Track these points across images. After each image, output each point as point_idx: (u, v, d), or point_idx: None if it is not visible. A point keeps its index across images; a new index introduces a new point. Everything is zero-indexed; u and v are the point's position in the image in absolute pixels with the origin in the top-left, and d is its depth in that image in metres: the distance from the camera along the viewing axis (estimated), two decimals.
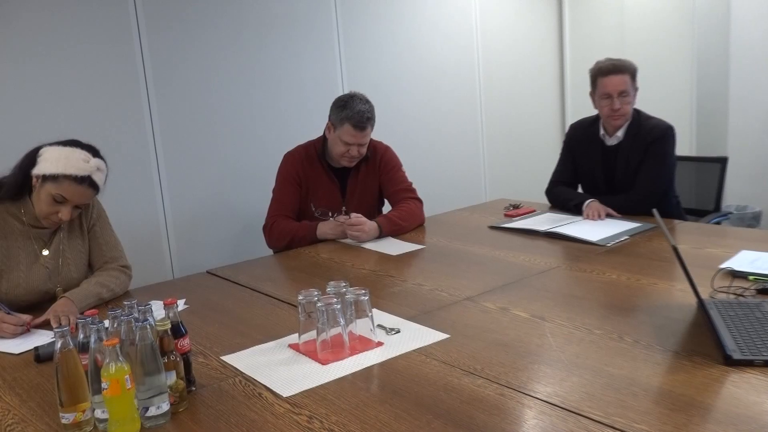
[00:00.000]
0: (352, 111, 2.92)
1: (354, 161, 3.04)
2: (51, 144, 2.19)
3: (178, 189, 3.63)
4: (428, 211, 3.20)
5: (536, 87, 5.28)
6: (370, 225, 2.87)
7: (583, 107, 3.59)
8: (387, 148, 3.19)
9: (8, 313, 2.06)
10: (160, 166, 3.56)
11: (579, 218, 2.95)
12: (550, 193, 3.27)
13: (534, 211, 3.21)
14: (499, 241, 2.76)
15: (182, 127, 3.62)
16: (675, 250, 1.63)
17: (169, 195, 3.61)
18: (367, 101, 2.98)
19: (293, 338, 1.84)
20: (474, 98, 4.90)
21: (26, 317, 2.07)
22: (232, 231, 3.83)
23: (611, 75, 2.95)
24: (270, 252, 3.18)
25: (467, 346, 1.72)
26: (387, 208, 3.20)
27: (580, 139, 3.18)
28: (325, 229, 2.94)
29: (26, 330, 2.04)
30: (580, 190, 3.24)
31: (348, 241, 2.89)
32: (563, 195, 3.17)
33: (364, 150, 3.01)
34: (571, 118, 5.00)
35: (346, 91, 3.12)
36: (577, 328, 1.78)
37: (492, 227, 2.98)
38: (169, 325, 1.50)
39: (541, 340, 1.72)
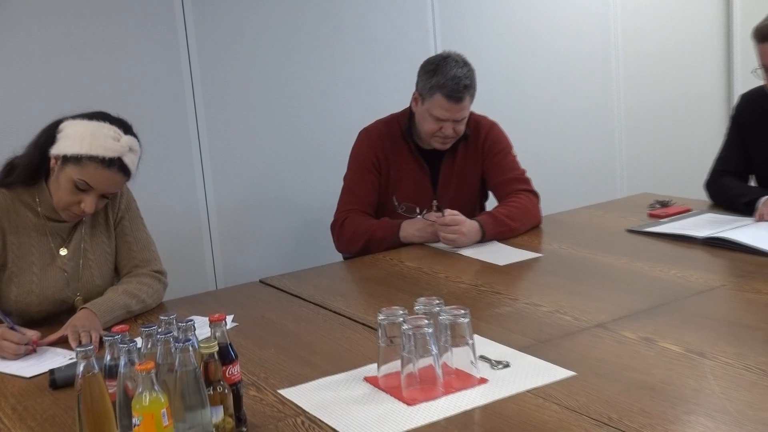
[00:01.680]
0: (444, 77, 2.92)
1: (448, 142, 3.04)
2: (74, 117, 2.28)
3: (224, 175, 3.72)
4: (546, 208, 3.17)
5: (692, 48, 5.14)
6: (470, 225, 2.86)
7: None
8: (493, 125, 3.17)
9: (11, 328, 2.15)
10: (202, 145, 3.66)
11: (751, 220, 2.86)
12: (712, 186, 3.20)
13: (689, 210, 3.14)
14: (642, 249, 2.71)
15: (230, 97, 3.70)
16: None
17: (212, 183, 3.70)
18: (465, 64, 2.97)
19: (370, 370, 1.85)
20: (608, 63, 4.81)
21: (33, 334, 2.15)
22: (291, 230, 3.89)
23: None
24: (339, 257, 3.21)
25: (599, 387, 1.69)
26: (492, 203, 3.19)
27: (754, 115, 3.08)
28: (410, 229, 2.95)
29: (31, 350, 2.12)
30: (752, 182, 3.15)
31: (440, 245, 2.89)
32: (731, 189, 3.08)
33: (461, 127, 3.00)
34: (740, 88, 4.84)
35: (439, 52, 3.11)
36: (748, 368, 1.73)
37: (631, 231, 2.94)
38: (217, 348, 1.53)
39: (700, 384, 1.67)
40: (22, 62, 3.22)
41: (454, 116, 2.95)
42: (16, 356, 2.08)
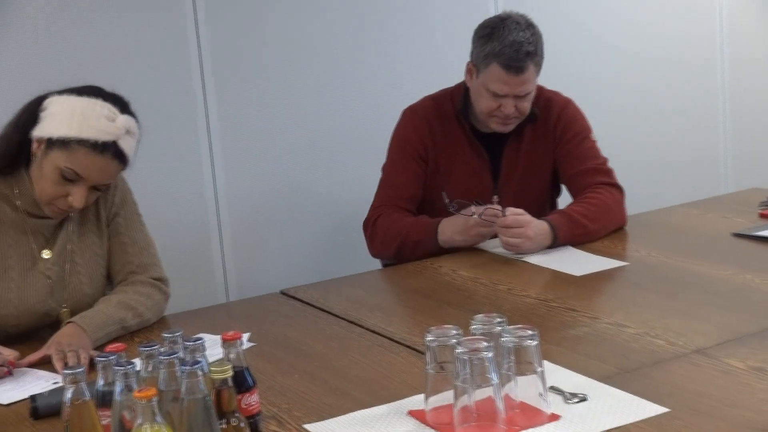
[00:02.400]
0: (502, 43, 2.90)
1: (510, 123, 3.03)
2: (60, 92, 2.30)
3: (237, 165, 3.75)
4: (631, 206, 3.15)
5: None
6: (538, 227, 2.85)
7: None
8: (567, 103, 3.16)
9: None
10: (212, 130, 3.68)
11: None
12: None
13: None
14: (751, 257, 2.69)
15: (245, 73, 3.72)
16: None
17: (224, 174, 3.72)
18: (529, 25, 2.95)
19: (416, 402, 1.85)
20: (712, 44, 4.79)
21: (9, 353, 2.17)
22: (319, 231, 3.91)
23: None
24: (377, 263, 3.22)
25: (698, 427, 1.68)
26: (565, 199, 3.18)
27: None
28: (451, 232, 2.94)
29: (6, 372, 2.13)
30: None
31: (501, 250, 2.89)
32: None
33: (525, 105, 2.99)
34: None
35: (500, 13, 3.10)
36: None
37: (738, 234, 2.92)
38: (231, 373, 1.54)
39: None
40: (18, 36, 3.28)
41: (514, 90, 2.93)
42: None
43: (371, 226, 3.09)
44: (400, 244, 3.00)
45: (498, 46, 2.90)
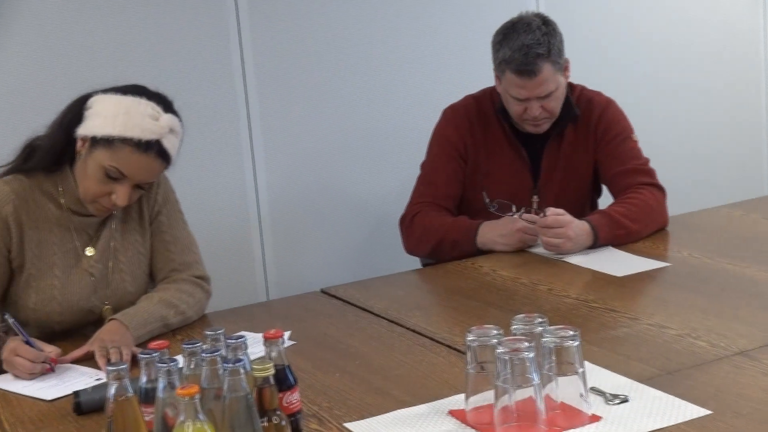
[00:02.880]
0: (511, 48, 2.90)
1: (541, 124, 3.02)
2: (105, 91, 2.33)
3: (278, 163, 3.76)
4: (673, 206, 3.14)
5: None
6: (579, 227, 2.85)
7: None
8: (609, 103, 3.15)
9: (26, 342, 2.19)
10: (253, 128, 3.70)
11: None
12: None
13: None
14: None
15: (287, 69, 3.74)
16: None
17: (265, 172, 3.74)
18: (542, 25, 2.92)
19: (457, 401, 1.85)
20: (756, 34, 4.74)
21: (51, 350, 2.20)
22: (359, 229, 3.92)
23: None
24: (415, 262, 3.22)
25: (741, 430, 1.67)
26: (606, 199, 3.17)
27: None
28: (491, 234, 2.93)
29: (48, 369, 2.16)
30: None
31: (541, 250, 2.89)
32: None
33: (553, 104, 2.98)
34: None
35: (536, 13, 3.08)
36: None
37: None
38: (273, 371, 1.55)
39: None
40: (56, 33, 3.33)
41: (533, 93, 2.92)
42: (31, 375, 2.13)
43: (408, 223, 3.09)
44: (437, 242, 3.00)
45: (508, 52, 2.91)
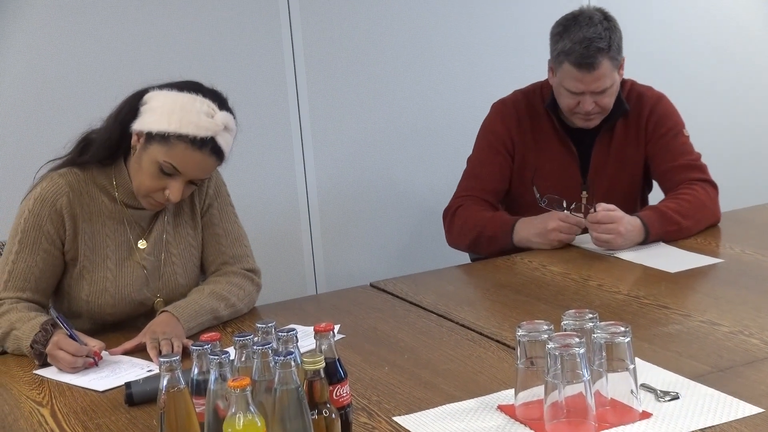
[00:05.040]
0: (572, 40, 2.88)
1: (592, 119, 3.00)
2: (161, 87, 2.34)
3: (327, 158, 3.78)
4: (725, 202, 3.11)
5: None
6: (630, 223, 2.83)
7: None
8: (660, 98, 3.12)
9: (70, 335, 2.21)
10: (303, 123, 3.72)
11: None
12: None
13: None
14: None
15: (336, 66, 3.76)
16: None
17: (314, 167, 3.76)
18: (603, 20, 2.92)
19: (506, 396, 1.85)
20: None
21: (95, 344, 2.21)
22: (408, 223, 3.93)
23: None
24: (464, 257, 3.22)
25: None
26: (657, 195, 3.14)
27: None
28: (527, 232, 2.92)
29: (91, 363, 2.18)
30: None
31: (591, 246, 2.87)
32: None
33: (606, 100, 2.96)
34: None
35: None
36: None
37: None
38: (323, 364, 1.56)
39: None
40: (109, 27, 3.37)
41: (589, 87, 2.90)
42: (73, 369, 2.15)
43: (450, 216, 3.10)
44: (475, 236, 3.00)
45: (568, 44, 2.89)
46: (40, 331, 2.19)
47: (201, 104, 2.28)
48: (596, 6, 3.03)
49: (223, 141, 2.30)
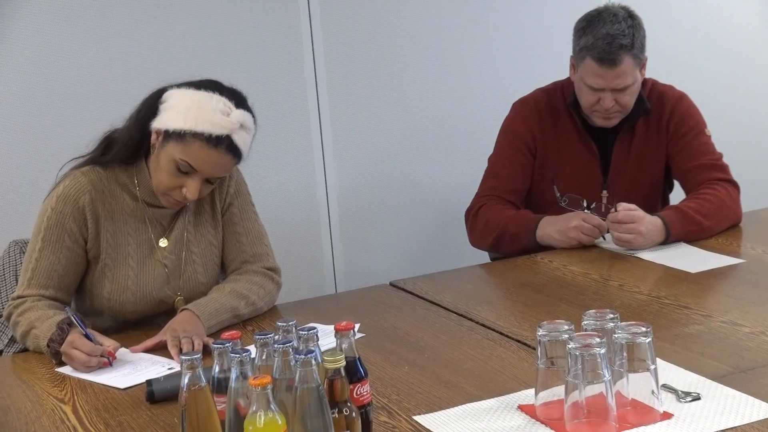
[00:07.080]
0: (595, 36, 2.88)
1: (612, 117, 2.99)
2: (179, 85, 2.36)
3: (347, 156, 3.78)
4: (747, 202, 3.10)
5: None
6: (651, 222, 2.82)
7: None
8: (681, 97, 3.11)
9: (85, 335, 2.21)
10: (323, 122, 3.72)
11: None
12: None
13: None
14: None
15: (356, 64, 3.76)
16: None
17: (334, 166, 3.77)
18: (627, 17, 2.91)
19: (526, 396, 1.85)
20: None
21: (110, 344, 2.21)
22: (427, 222, 3.93)
23: None
24: (483, 256, 3.21)
25: None
26: (678, 195, 3.13)
27: None
28: (549, 228, 2.92)
29: (106, 363, 2.17)
30: None
31: (612, 246, 2.87)
32: None
33: (626, 99, 2.95)
34: None
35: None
36: None
37: None
38: (344, 363, 1.56)
39: None
40: (127, 26, 3.39)
41: (610, 84, 2.89)
42: (87, 369, 2.15)
43: (472, 216, 3.10)
44: (498, 235, 3.00)
45: (591, 39, 2.88)
46: (56, 330, 2.20)
47: (217, 102, 2.29)
48: (621, 3, 3.01)
49: (240, 139, 2.31)
